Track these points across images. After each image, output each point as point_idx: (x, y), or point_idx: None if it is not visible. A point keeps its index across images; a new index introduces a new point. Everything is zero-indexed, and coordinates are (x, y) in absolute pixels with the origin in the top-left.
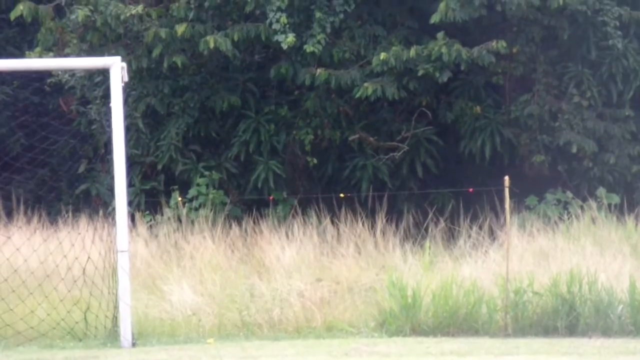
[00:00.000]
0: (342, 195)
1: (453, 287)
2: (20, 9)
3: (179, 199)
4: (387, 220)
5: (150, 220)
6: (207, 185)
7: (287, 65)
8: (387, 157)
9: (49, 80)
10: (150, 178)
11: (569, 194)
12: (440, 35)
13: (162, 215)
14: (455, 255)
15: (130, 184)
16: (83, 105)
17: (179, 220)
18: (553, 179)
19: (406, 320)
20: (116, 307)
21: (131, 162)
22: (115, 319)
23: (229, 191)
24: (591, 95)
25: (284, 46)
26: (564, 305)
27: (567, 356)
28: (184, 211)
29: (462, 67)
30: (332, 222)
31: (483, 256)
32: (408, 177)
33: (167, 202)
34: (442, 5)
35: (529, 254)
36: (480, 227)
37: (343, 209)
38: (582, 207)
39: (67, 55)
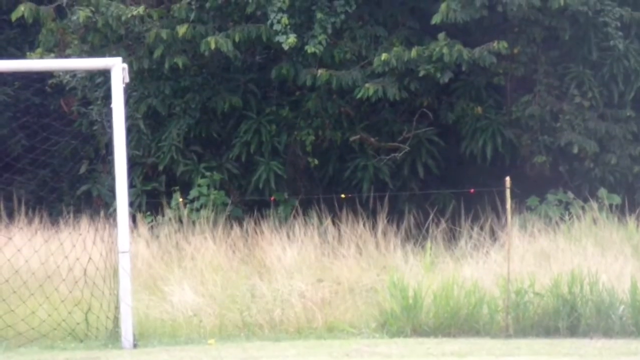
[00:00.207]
0: (343, 195)
1: (454, 287)
2: (22, 9)
3: (180, 199)
4: (388, 221)
5: (152, 221)
6: (208, 186)
7: (288, 66)
8: (388, 157)
9: (50, 81)
10: (152, 179)
11: (570, 195)
12: (441, 35)
13: (163, 216)
14: (457, 256)
15: (131, 185)
16: (84, 106)
17: (180, 221)
18: (554, 180)
19: (407, 320)
20: (117, 308)
21: (132, 163)
22: (116, 320)
23: (230, 192)
24: (592, 96)
25: (285, 47)
26: (565, 305)
27: (568, 357)
28: (185, 212)
29: (463, 68)
30: (333, 222)
31: (484, 257)
32: (409, 177)
33: (168, 203)
34: (443, 6)
35: (530, 254)
36: (482, 228)
37: (344, 210)
38: (583, 208)
39: (68, 56)
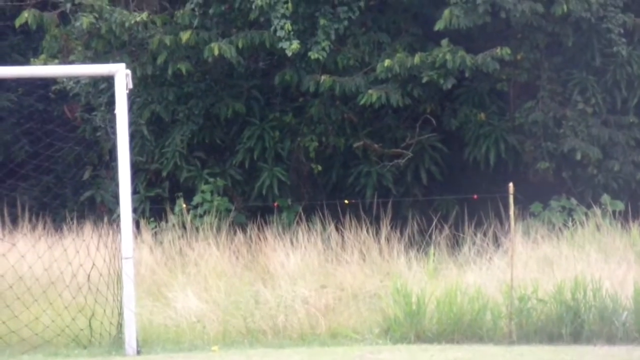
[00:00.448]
0: (346, 202)
1: (457, 294)
2: (25, 16)
3: (184, 205)
4: (391, 227)
5: (155, 227)
6: (212, 192)
7: (292, 72)
8: (391, 164)
9: (53, 88)
10: (155, 185)
11: (574, 201)
12: (444, 42)
13: (166, 222)
14: (460, 262)
15: (135, 191)
16: (88, 112)
17: (184, 227)
18: (557, 186)
19: (410, 327)
20: (121, 314)
21: (136, 169)
22: (119, 326)
23: (234, 198)
24: (595, 102)
25: (289, 53)
26: (568, 312)
27: None
28: (189, 218)
29: (467, 74)
30: (337, 228)
31: (487, 263)
32: (412, 183)
33: (172, 209)
34: (446, 12)
35: (533, 260)
36: (485, 234)
37: (347, 216)
38: (586, 214)
39: (71, 63)
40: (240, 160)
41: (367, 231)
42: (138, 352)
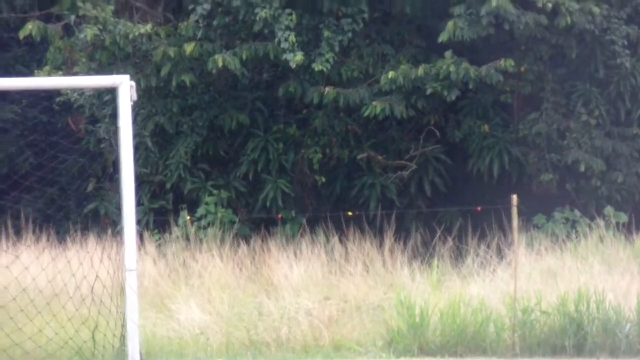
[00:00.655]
0: (350, 213)
1: (461, 305)
2: (29, 28)
3: (188, 217)
4: (395, 239)
5: (159, 239)
6: (216, 204)
7: (296, 83)
8: (395, 175)
9: (57, 99)
10: (159, 197)
11: (577, 213)
12: (448, 54)
13: (170, 234)
14: (463, 274)
15: (138, 203)
16: (92, 124)
17: (188, 239)
18: (561, 198)
19: (414, 339)
20: (124, 326)
21: (140, 181)
22: (123, 338)
23: (238, 210)
24: (599, 114)
25: (293, 65)
26: (571, 324)
27: None
28: (193, 230)
29: (470, 86)
30: (340, 240)
31: (491, 275)
32: (416, 195)
33: (176, 221)
34: (450, 24)
35: (536, 272)
36: (488, 246)
37: (351, 228)
38: (590, 226)
39: (75, 74)
40: (244, 172)
41: (371, 243)
42: None
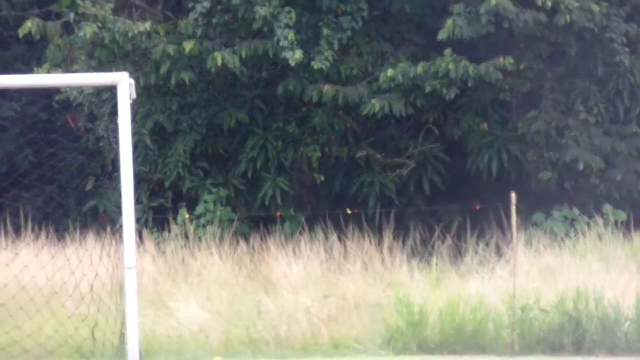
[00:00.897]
0: (349, 211)
1: (460, 303)
2: (29, 25)
3: (187, 215)
4: (394, 237)
5: (158, 237)
6: (215, 202)
7: (295, 81)
8: (394, 173)
9: (57, 97)
10: (158, 195)
11: (576, 211)
12: (447, 51)
13: (169, 232)
14: (462, 272)
15: (137, 201)
16: (91, 121)
17: (187, 237)
18: (560, 196)
19: (413, 337)
20: (123, 324)
21: (139, 179)
22: (122, 336)
23: (237, 208)
24: (598, 112)
25: (292, 63)
26: (570, 322)
27: None
28: (192, 228)
29: (469, 84)
30: (339, 238)
31: (490, 273)
32: (415, 193)
33: (175, 219)
34: (449, 22)
35: (535, 270)
36: (487, 244)
37: (350, 226)
38: (588, 224)
39: (75, 72)
40: (243, 170)
41: (370, 241)
42: None
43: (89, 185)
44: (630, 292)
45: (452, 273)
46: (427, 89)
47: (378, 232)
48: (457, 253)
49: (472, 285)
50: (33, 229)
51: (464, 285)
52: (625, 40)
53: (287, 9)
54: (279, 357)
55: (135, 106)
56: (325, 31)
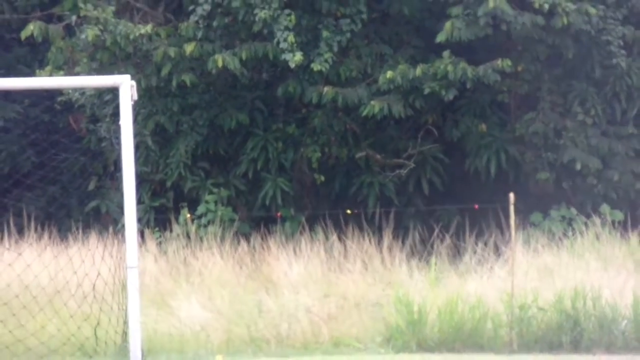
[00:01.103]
0: (349, 212)
1: (458, 302)
2: (31, 28)
3: (188, 215)
4: (393, 237)
5: (160, 236)
6: (216, 202)
7: (295, 83)
8: (393, 174)
9: (59, 99)
10: (160, 195)
11: (573, 211)
12: (446, 54)
13: (171, 231)
14: (461, 271)
15: (139, 201)
16: (93, 123)
17: (188, 236)
18: (557, 196)
19: (412, 335)
20: (126, 323)
21: (140, 180)
22: (124, 335)
23: (238, 208)
24: (595, 113)
25: (292, 65)
26: (568, 320)
27: None
28: (193, 228)
29: (468, 86)
30: (339, 238)
31: (488, 272)
32: (414, 194)
33: (176, 219)
34: (447, 25)
35: (533, 270)
36: (486, 244)
37: (350, 226)
38: (586, 224)
39: (77, 74)
40: (243, 170)
41: (370, 241)
42: None
43: (91, 186)
44: (627, 291)
45: (451, 272)
46: (426, 91)
47: (378, 231)
48: (456, 253)
49: (470, 284)
50: (36, 229)
51: (462, 285)
52: (622, 43)
53: (287, 11)
54: (280, 356)
55: (137, 107)
56: (324, 33)
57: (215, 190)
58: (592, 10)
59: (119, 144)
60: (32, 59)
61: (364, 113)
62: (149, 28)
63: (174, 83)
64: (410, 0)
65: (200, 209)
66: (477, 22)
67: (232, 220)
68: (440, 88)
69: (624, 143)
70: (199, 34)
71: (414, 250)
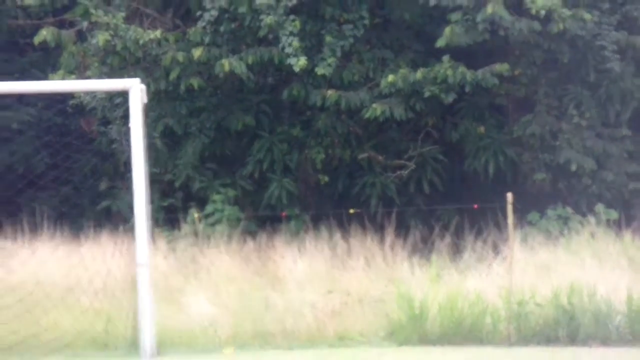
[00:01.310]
0: (352, 211)
1: (458, 298)
2: (44, 34)
3: (196, 215)
4: (395, 235)
5: (169, 235)
6: (223, 202)
7: (299, 87)
8: (395, 175)
9: (71, 102)
10: (169, 195)
11: (569, 210)
12: (445, 58)
13: (180, 230)
14: (461, 269)
15: (149, 201)
16: (104, 125)
17: (196, 235)
18: (554, 196)
19: (414, 330)
20: (136, 319)
21: (150, 180)
22: (135, 330)
23: (244, 207)
24: (590, 116)
25: (296, 69)
26: (564, 315)
27: None
28: (201, 227)
29: (467, 89)
30: (343, 236)
31: (487, 269)
32: (415, 194)
33: (185, 218)
34: (447, 30)
35: (531, 267)
36: (485, 242)
37: (353, 224)
38: (581, 223)
39: (88, 78)
40: (250, 171)
41: (372, 239)
42: (153, 354)
43: (103, 186)
44: (621, 287)
45: (451, 269)
46: (426, 94)
47: (380, 230)
48: (456, 250)
49: (470, 281)
50: (49, 228)
51: (462, 281)
52: (616, 48)
53: (291, 17)
54: (285, 349)
55: (147, 110)
56: (328, 39)
57: (222, 190)
58: (587, 16)
59: (129, 145)
60: (45, 63)
61: (366, 116)
62: (158, 33)
63: (182, 87)
64: (411, 6)
65: (208, 208)
66: (476, 28)
67: (238, 219)
68: (440, 91)
69: (617, 145)
70: (207, 39)
71: (415, 248)
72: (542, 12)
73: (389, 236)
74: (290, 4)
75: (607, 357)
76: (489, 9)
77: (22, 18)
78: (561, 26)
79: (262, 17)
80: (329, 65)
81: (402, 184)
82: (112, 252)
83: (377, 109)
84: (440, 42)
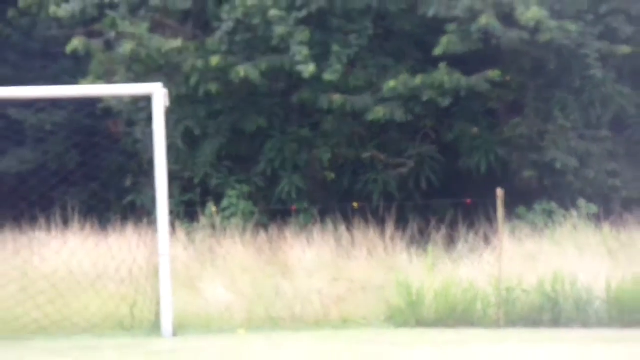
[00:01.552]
0: (355, 205)
1: (452, 286)
2: (75, 43)
3: (214, 209)
4: (395, 228)
5: (188, 227)
6: (238, 197)
7: (308, 92)
8: (395, 172)
9: (99, 106)
10: (188, 191)
11: (554, 205)
12: (442, 65)
13: (198, 223)
14: (454, 258)
15: (170, 196)
16: (129, 127)
17: (214, 227)
18: (540, 192)
19: (411, 314)
20: (158, 303)
21: (171, 177)
22: (157, 313)
23: (257, 202)
24: (574, 118)
25: (306, 75)
26: (549, 301)
27: (551, 344)
28: (218, 220)
29: (462, 94)
30: (347, 229)
31: (478, 259)
32: (414, 189)
33: (203, 212)
34: (444, 39)
35: (518, 257)
36: (477, 234)
37: (357, 218)
38: (565, 216)
39: (115, 83)
40: (263, 169)
41: (374, 231)
42: (174, 335)
43: (128, 182)
44: (600, 275)
45: (445, 259)
46: (425, 98)
47: (381, 223)
48: (450, 242)
49: (463, 269)
50: (79, 221)
51: (456, 270)
52: (598, 56)
53: (301, 28)
54: (294, 331)
55: (168, 113)
56: (335, 47)
57: (237, 186)
58: (572, 27)
59: (152, 145)
60: (76, 70)
61: (370, 118)
62: (179, 42)
63: (201, 91)
64: (411, 18)
65: (224, 203)
66: (470, 37)
67: (252, 213)
68: (437, 96)
69: (599, 145)
70: (224, 48)
71: (413, 239)
72: (531, 23)
73: (390, 228)
74: (300, 16)
75: (587, 338)
76: (483, 20)
77: (55, 29)
78: (548, 36)
79: (274, 27)
80: (336, 71)
81: (402, 180)
82: (136, 243)
83: (379, 112)
84: (438, 51)
